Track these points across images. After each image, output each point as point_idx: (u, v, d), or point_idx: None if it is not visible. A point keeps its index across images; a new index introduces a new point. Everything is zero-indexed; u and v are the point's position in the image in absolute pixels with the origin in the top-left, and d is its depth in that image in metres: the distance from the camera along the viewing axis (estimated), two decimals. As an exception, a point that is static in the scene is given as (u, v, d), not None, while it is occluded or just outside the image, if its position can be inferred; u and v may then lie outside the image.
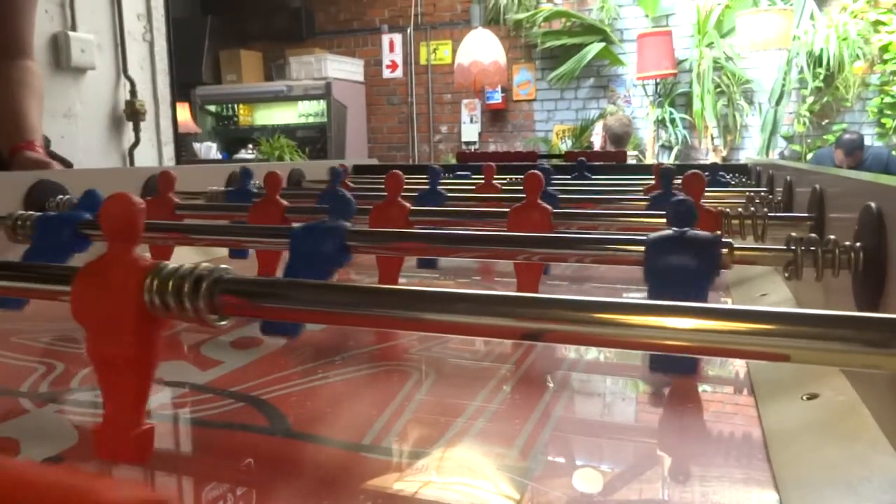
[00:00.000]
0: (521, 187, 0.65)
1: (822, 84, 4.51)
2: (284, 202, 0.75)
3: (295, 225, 0.55)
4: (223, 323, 0.32)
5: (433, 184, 0.87)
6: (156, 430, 0.33)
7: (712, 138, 4.81)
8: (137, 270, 0.31)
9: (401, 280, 0.66)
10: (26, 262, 0.38)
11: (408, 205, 0.68)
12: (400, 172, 0.69)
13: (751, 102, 4.81)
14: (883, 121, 4.49)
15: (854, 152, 3.95)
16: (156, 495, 0.11)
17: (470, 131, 5.49)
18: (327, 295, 0.33)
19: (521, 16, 5.07)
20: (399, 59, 5.53)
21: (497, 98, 5.32)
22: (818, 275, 0.44)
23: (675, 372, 0.43)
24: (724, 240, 0.44)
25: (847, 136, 4.06)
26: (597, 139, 3.84)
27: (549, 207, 0.63)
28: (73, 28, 2.19)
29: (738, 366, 0.50)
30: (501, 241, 0.53)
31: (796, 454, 0.34)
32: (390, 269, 0.65)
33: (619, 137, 3.83)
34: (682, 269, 0.43)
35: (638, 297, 0.81)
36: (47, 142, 1.35)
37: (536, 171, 0.64)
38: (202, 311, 0.31)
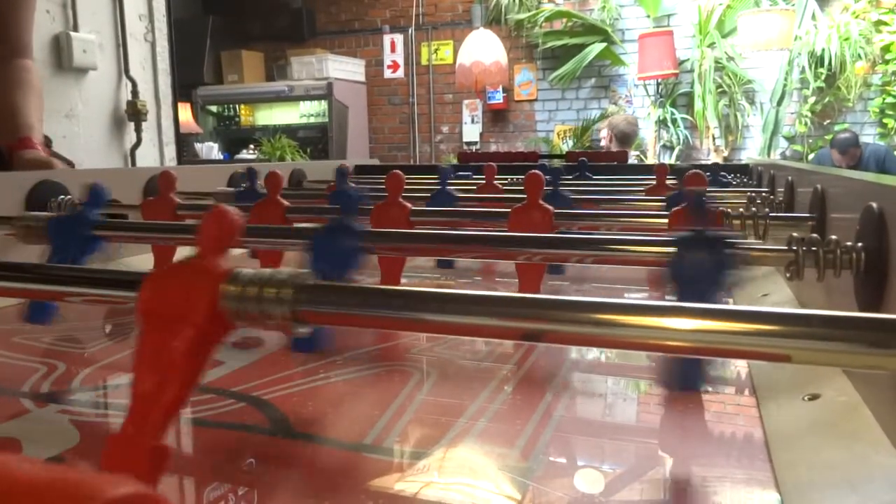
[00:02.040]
0: (522, 187, 0.65)
1: (823, 84, 4.51)
2: (286, 202, 0.75)
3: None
4: (304, 331, 0.31)
5: (443, 183, 0.87)
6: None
7: (714, 138, 4.81)
8: (215, 275, 0.30)
9: (402, 281, 0.66)
10: (90, 267, 0.37)
11: (409, 205, 0.68)
12: (400, 173, 0.69)
13: (752, 102, 4.81)
14: (885, 121, 4.49)
15: (849, 150, 3.94)
16: (152, 492, 0.11)
17: (471, 131, 5.49)
18: (413, 302, 0.31)
19: (522, 16, 5.07)
20: (400, 60, 5.53)
21: (498, 98, 5.32)
22: (820, 275, 0.44)
23: (686, 388, 0.43)
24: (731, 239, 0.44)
25: (841, 135, 4.06)
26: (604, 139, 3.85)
27: (549, 208, 0.63)
28: (75, 28, 2.19)
29: (740, 366, 0.50)
30: (502, 241, 0.53)
31: (798, 454, 0.34)
32: (392, 269, 0.65)
33: (627, 136, 3.84)
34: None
35: (639, 297, 0.81)
36: (48, 141, 1.36)
37: (537, 172, 0.64)
38: (285, 319, 0.30)
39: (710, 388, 0.47)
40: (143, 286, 0.30)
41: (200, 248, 0.30)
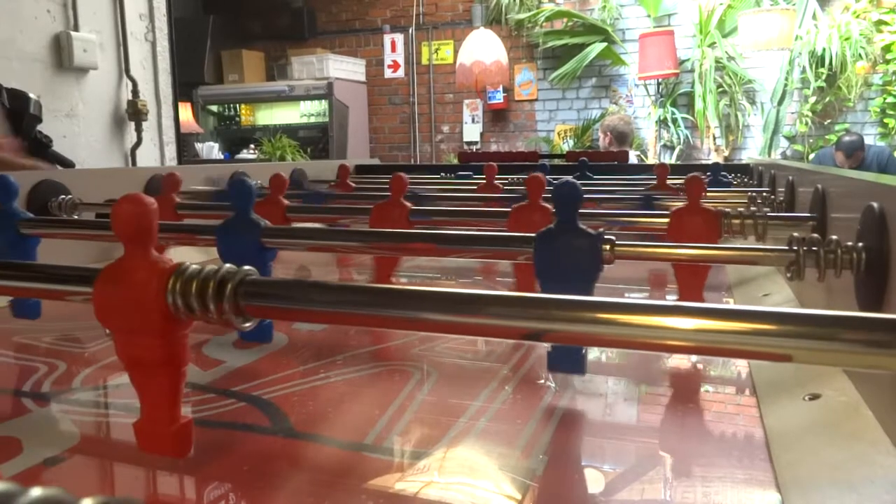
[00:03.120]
0: (523, 187, 0.65)
1: (824, 84, 4.51)
2: (286, 202, 0.75)
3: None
4: (248, 325, 0.32)
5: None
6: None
7: (714, 138, 4.81)
8: (160, 272, 0.31)
9: (402, 280, 0.66)
10: (46, 264, 0.38)
11: (409, 205, 0.68)
12: (404, 175, 0.69)
13: (753, 102, 4.81)
14: (885, 121, 4.48)
15: (854, 153, 3.95)
16: None
17: (472, 131, 5.48)
18: (354, 297, 0.32)
19: (522, 16, 5.06)
20: (401, 59, 5.53)
21: (499, 98, 5.32)
22: (820, 275, 0.44)
23: (571, 371, 0.44)
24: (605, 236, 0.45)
25: (847, 137, 4.06)
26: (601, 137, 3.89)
27: (549, 207, 0.63)
28: (76, 28, 2.19)
29: (741, 366, 0.50)
30: (499, 241, 0.53)
31: (798, 454, 0.34)
32: (386, 268, 0.65)
33: (625, 135, 3.86)
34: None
35: (640, 297, 0.81)
36: (49, 140, 1.36)
37: (538, 174, 0.64)
38: (227, 313, 0.31)
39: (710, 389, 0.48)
40: (97, 282, 0.31)
41: (127, 244, 0.31)
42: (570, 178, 0.46)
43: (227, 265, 0.31)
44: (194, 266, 0.31)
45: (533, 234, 0.46)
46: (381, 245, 0.58)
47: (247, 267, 0.32)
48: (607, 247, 0.45)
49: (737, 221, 0.59)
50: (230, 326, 0.31)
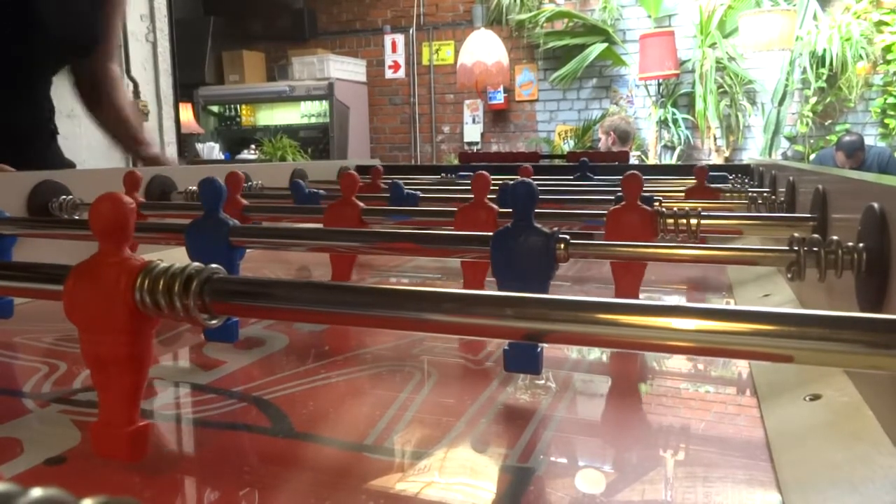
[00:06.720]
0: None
1: (824, 84, 4.51)
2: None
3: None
4: (214, 322, 0.33)
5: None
6: (157, 430, 0.33)
7: (715, 139, 4.81)
8: (129, 270, 0.31)
9: (403, 280, 0.66)
10: (18, 262, 0.38)
11: (361, 204, 0.69)
12: (355, 173, 0.70)
13: (753, 103, 4.81)
14: (886, 121, 4.49)
15: (855, 153, 3.95)
16: None
17: (472, 132, 5.49)
18: (319, 294, 0.33)
19: (523, 16, 5.07)
20: (401, 60, 5.53)
21: (499, 98, 5.32)
22: (821, 275, 0.44)
23: (525, 371, 0.44)
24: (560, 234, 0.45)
25: (847, 137, 4.06)
26: (602, 138, 3.91)
27: (494, 207, 0.64)
28: (76, 29, 2.19)
29: (741, 366, 0.50)
30: (458, 240, 0.53)
31: (799, 455, 0.34)
32: (343, 266, 0.66)
33: (628, 134, 3.89)
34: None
35: (640, 297, 0.81)
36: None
37: (483, 172, 0.64)
38: (192, 311, 0.31)
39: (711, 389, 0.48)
40: (66, 284, 0.32)
41: (102, 241, 0.32)
42: (525, 178, 0.47)
43: (195, 263, 0.32)
44: (163, 264, 0.32)
45: (490, 234, 0.46)
46: (336, 244, 0.59)
47: (214, 265, 0.32)
48: (562, 245, 0.45)
49: (671, 221, 0.59)
50: (197, 324, 0.32)
